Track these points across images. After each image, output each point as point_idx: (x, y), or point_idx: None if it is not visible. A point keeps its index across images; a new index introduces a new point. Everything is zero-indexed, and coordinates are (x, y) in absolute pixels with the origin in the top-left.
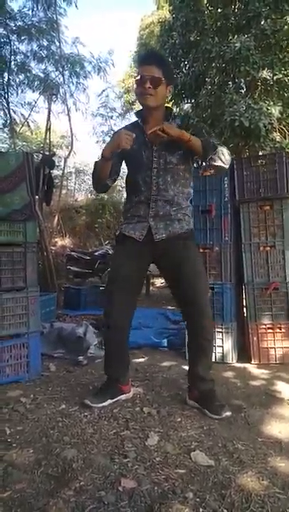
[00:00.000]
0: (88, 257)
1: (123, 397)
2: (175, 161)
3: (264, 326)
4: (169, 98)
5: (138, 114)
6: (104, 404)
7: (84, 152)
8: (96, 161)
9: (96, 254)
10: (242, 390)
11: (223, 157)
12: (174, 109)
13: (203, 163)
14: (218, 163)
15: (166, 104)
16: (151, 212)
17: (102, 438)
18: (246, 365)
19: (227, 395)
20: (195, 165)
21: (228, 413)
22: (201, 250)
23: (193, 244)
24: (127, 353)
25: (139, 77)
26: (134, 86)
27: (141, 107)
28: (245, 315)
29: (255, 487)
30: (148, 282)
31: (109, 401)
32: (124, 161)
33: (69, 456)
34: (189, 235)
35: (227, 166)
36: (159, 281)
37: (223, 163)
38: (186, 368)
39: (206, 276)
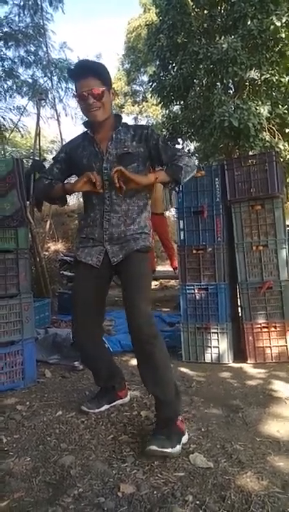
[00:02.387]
0: None
1: (120, 402)
2: None
3: (259, 326)
4: (115, 101)
5: (86, 124)
6: (100, 409)
7: None
8: (52, 187)
9: None
10: (239, 390)
11: (189, 168)
12: (123, 117)
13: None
14: (189, 176)
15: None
16: (106, 236)
17: (100, 443)
18: (242, 364)
19: (224, 395)
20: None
21: (170, 450)
22: (195, 251)
23: (142, 255)
24: (111, 365)
25: (79, 95)
26: (77, 103)
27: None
28: (240, 315)
29: (255, 487)
30: None
31: (106, 406)
32: (75, 175)
33: (67, 463)
34: (143, 249)
35: (195, 170)
36: (153, 284)
37: (193, 171)
38: (183, 369)
39: (148, 281)
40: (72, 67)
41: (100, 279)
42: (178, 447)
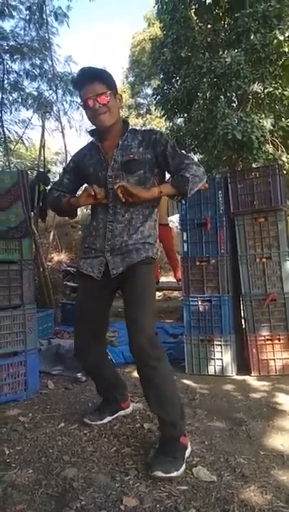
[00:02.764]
0: None
1: (122, 413)
2: (134, 182)
3: (263, 338)
4: (122, 105)
5: (92, 133)
6: (103, 421)
7: None
8: (60, 200)
9: None
10: (243, 403)
11: (198, 178)
12: (131, 123)
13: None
14: (197, 187)
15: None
16: (107, 246)
17: (103, 456)
18: (246, 377)
19: (228, 408)
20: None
21: (175, 474)
22: (198, 263)
23: (147, 267)
24: (114, 378)
25: (84, 101)
26: (83, 111)
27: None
28: (243, 327)
29: (259, 501)
30: None
31: (109, 418)
32: (87, 184)
33: (69, 475)
34: (146, 261)
35: (205, 179)
36: (157, 295)
37: (202, 181)
38: (186, 382)
39: (152, 294)
40: (76, 76)
41: (102, 291)
42: (182, 467)
